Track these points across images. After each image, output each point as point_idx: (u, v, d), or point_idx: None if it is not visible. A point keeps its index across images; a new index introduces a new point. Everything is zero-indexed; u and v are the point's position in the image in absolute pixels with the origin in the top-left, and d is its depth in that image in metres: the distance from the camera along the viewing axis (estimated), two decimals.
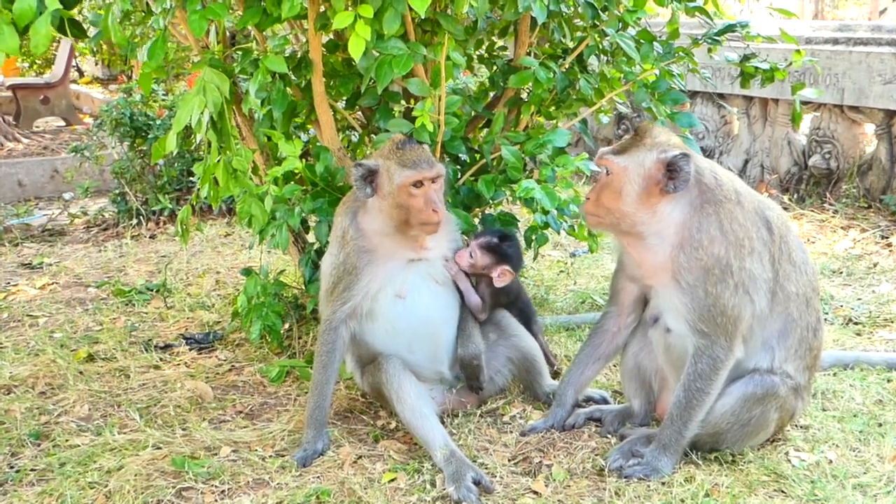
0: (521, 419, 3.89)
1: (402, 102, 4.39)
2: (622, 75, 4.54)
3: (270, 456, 3.60)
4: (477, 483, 3.28)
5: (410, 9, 3.46)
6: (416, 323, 3.72)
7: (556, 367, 4.30)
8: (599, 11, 4.30)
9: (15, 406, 4.11)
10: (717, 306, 3.29)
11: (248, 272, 4.52)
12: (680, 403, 3.38)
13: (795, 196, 7.58)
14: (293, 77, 4.18)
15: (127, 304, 5.58)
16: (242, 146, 3.93)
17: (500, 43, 5.03)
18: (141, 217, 7.41)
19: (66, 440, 3.77)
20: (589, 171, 4.26)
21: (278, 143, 4.08)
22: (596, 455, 3.55)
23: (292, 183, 4.20)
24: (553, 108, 4.64)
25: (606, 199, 3.40)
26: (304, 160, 4.19)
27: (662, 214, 3.35)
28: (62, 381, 4.39)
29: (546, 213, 4.28)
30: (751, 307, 3.33)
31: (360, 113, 4.71)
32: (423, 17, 3.85)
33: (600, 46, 4.47)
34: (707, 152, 8.42)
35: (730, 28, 4.48)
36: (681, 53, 4.44)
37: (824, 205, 7.29)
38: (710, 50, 4.60)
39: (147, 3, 4.43)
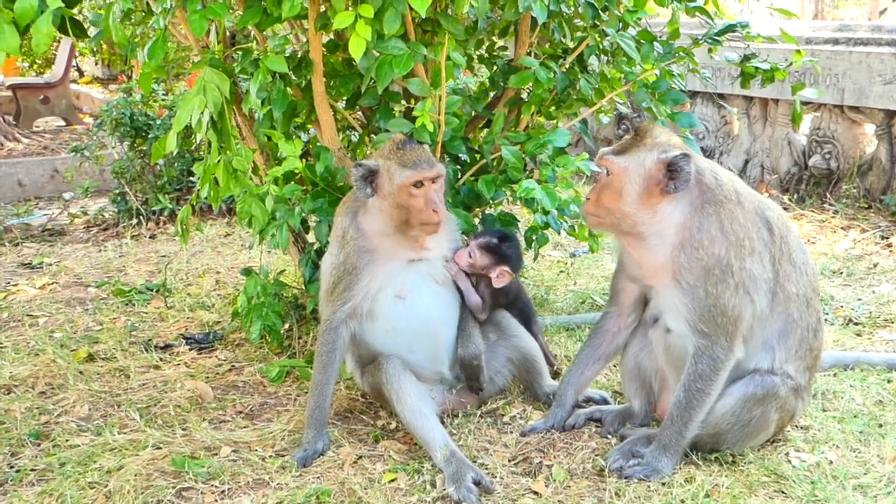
0: (521, 419, 3.89)
1: (403, 102, 4.39)
2: (622, 75, 4.54)
3: (270, 456, 3.60)
4: (477, 483, 3.28)
5: (411, 9, 3.45)
6: (416, 323, 3.72)
7: (555, 367, 4.30)
8: (600, 11, 4.30)
9: (15, 406, 4.11)
10: (718, 306, 3.29)
11: (248, 272, 4.52)
12: (680, 404, 3.37)
13: (795, 196, 7.58)
14: (293, 77, 4.18)
15: (127, 304, 5.58)
16: (243, 146, 3.93)
17: (501, 43, 5.03)
18: (141, 217, 7.41)
19: (66, 440, 3.77)
20: (589, 172, 4.26)
21: (278, 143, 4.08)
22: (596, 455, 3.55)
23: (292, 183, 4.20)
24: (553, 108, 4.64)
25: (607, 200, 3.40)
26: (304, 160, 4.18)
27: (663, 215, 3.34)
28: (62, 381, 4.39)
29: (546, 213, 4.28)
30: (751, 307, 3.33)
31: (360, 113, 4.71)
32: (423, 17, 3.85)
33: (601, 46, 4.47)
34: (707, 152, 8.42)
35: (730, 28, 4.48)
36: (681, 53, 4.44)
37: (824, 205, 7.29)
38: (710, 50, 4.60)
39: (147, 3, 4.43)
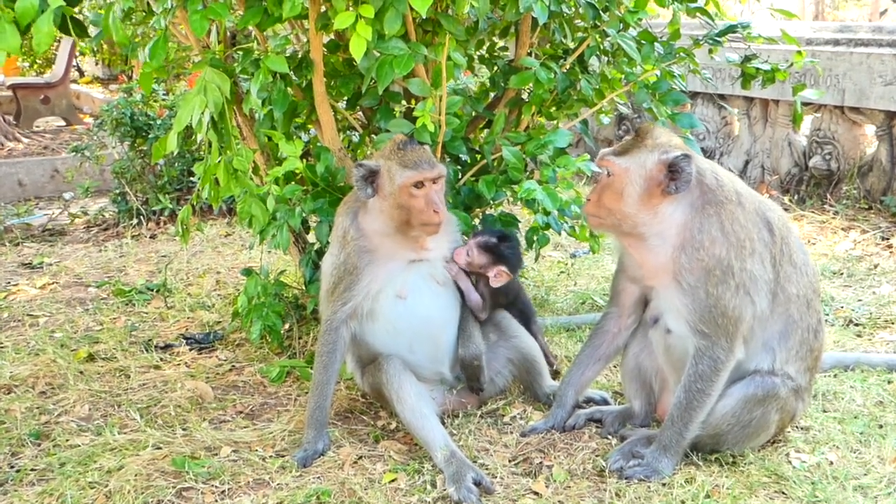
0: (521, 420, 3.89)
1: (403, 103, 4.39)
2: (623, 76, 4.54)
3: (271, 456, 3.60)
4: (477, 484, 3.27)
5: (411, 9, 3.45)
6: (416, 323, 3.72)
7: (555, 367, 4.30)
8: (600, 12, 4.30)
9: (15, 406, 4.10)
10: (718, 307, 3.29)
11: (248, 272, 4.52)
12: (680, 404, 3.37)
13: (796, 197, 7.58)
14: (294, 77, 4.17)
15: (127, 304, 5.58)
16: (243, 146, 3.93)
17: (501, 43, 5.03)
18: (141, 217, 7.41)
19: (67, 440, 3.77)
20: (590, 172, 4.26)
21: (279, 143, 4.08)
22: (596, 456, 3.55)
23: (293, 183, 4.20)
24: (554, 108, 4.64)
25: (608, 200, 3.39)
26: (304, 160, 4.18)
27: (664, 215, 3.34)
28: (62, 381, 4.39)
29: (547, 213, 4.28)
30: (751, 308, 3.33)
31: (360, 113, 4.71)
32: (424, 18, 3.85)
33: (601, 47, 4.47)
34: (708, 153, 8.42)
35: (731, 29, 4.47)
36: (682, 54, 4.44)
37: (825, 206, 7.29)
38: (711, 51, 4.60)
39: (148, 3, 4.43)
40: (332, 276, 3.71)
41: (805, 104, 5.45)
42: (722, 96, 8.37)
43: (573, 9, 4.42)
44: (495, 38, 4.92)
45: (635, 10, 4.26)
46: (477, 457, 3.54)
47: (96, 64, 18.79)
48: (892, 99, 6.77)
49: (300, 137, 4.59)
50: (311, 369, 4.00)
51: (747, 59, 4.57)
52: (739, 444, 3.45)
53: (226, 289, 5.79)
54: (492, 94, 4.73)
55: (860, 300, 5.29)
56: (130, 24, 4.64)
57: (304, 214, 4.21)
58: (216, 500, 3.31)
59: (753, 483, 3.29)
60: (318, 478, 3.44)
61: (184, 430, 3.83)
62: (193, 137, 4.21)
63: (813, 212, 7.20)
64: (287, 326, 4.67)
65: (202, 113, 3.52)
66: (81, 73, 19.28)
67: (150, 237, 7.20)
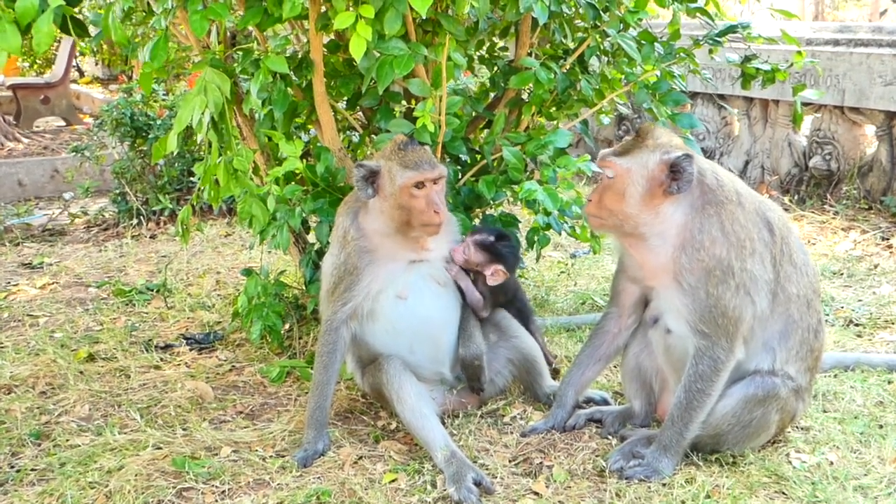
0: (521, 420, 3.89)
1: (403, 103, 4.39)
2: (623, 76, 4.54)
3: (271, 456, 3.60)
4: (478, 484, 3.27)
5: (412, 9, 3.45)
6: (417, 324, 3.72)
7: (553, 366, 4.29)
8: (601, 12, 4.30)
9: (15, 406, 4.10)
10: (718, 307, 3.29)
11: (248, 272, 4.52)
12: (681, 404, 3.37)
13: (796, 197, 7.58)
14: (294, 77, 4.17)
15: (127, 304, 5.58)
16: (243, 146, 3.93)
17: (501, 43, 5.03)
18: (141, 217, 7.41)
19: (67, 440, 3.77)
20: (590, 172, 4.26)
21: (279, 143, 4.08)
22: (597, 456, 3.55)
23: (293, 183, 4.20)
24: (554, 108, 4.64)
25: (609, 201, 3.39)
26: (304, 160, 4.18)
27: (665, 215, 3.34)
28: (62, 381, 4.39)
29: (548, 214, 4.28)
30: (752, 308, 3.33)
31: (360, 113, 4.71)
32: (424, 18, 3.85)
33: (601, 47, 4.47)
34: (708, 153, 8.42)
35: (731, 29, 4.47)
36: (682, 54, 4.44)
37: (825, 206, 7.29)
38: (711, 51, 4.60)
39: (148, 3, 4.43)
40: (332, 276, 3.71)
41: (805, 104, 5.45)
42: (722, 96, 8.38)
43: (573, 9, 4.42)
44: (495, 39, 4.92)
45: (635, 11, 4.26)
46: (477, 457, 3.54)
47: (96, 64, 18.80)
48: (891, 99, 6.77)
49: (300, 137, 4.59)
50: (311, 369, 4.00)
51: (747, 59, 4.57)
52: (740, 445, 3.45)
53: (226, 289, 5.79)
54: (492, 95, 4.73)
55: (860, 300, 5.29)
56: (130, 25, 4.64)
57: (304, 214, 4.21)
58: (216, 500, 3.31)
59: (754, 483, 3.29)
60: (319, 478, 3.44)
61: (184, 430, 3.83)
62: (193, 137, 4.22)
63: (813, 212, 7.20)
64: (287, 326, 4.67)
65: (202, 113, 3.52)
66: (81, 74, 19.28)
67: (150, 237, 7.20)
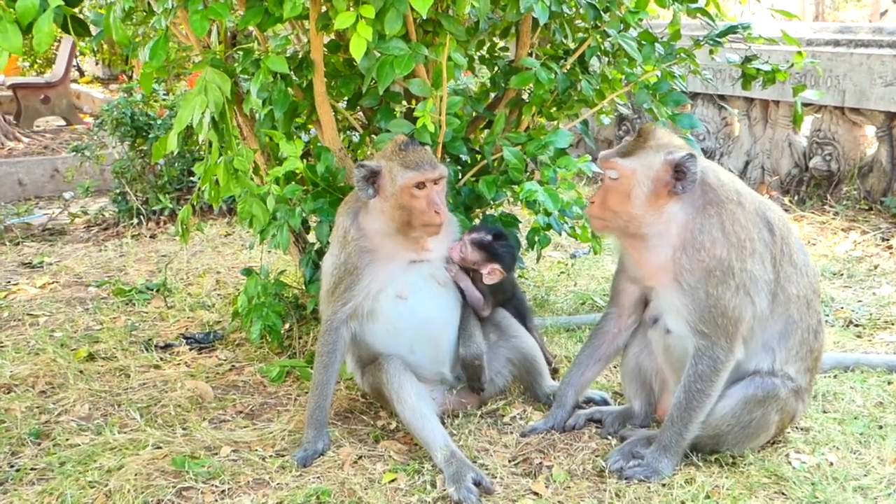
0: (521, 420, 3.89)
1: (404, 103, 4.39)
2: (623, 76, 4.54)
3: (271, 456, 3.60)
4: (477, 484, 3.28)
5: (412, 9, 3.45)
6: (417, 324, 3.72)
7: (553, 365, 4.29)
8: (601, 12, 4.30)
9: (15, 405, 4.11)
10: (718, 307, 3.29)
11: (248, 272, 4.52)
12: (680, 405, 3.37)
13: (796, 198, 7.58)
14: (294, 77, 4.17)
15: (127, 304, 5.58)
16: (244, 146, 3.93)
17: (502, 44, 5.03)
18: (141, 217, 7.41)
19: (67, 439, 3.77)
20: (590, 173, 4.26)
21: (279, 143, 4.08)
22: (596, 456, 3.55)
23: (293, 183, 4.20)
24: (554, 109, 4.64)
25: (614, 203, 3.37)
26: (305, 160, 4.18)
27: (668, 216, 3.33)
28: (62, 381, 4.39)
29: (548, 214, 4.27)
30: (751, 308, 3.33)
31: (361, 113, 4.71)
32: (424, 18, 3.85)
33: (602, 47, 4.47)
34: (708, 154, 8.42)
35: (731, 30, 4.47)
36: (682, 55, 4.44)
37: (825, 207, 7.29)
38: (711, 51, 4.60)
39: (149, 3, 4.43)
40: (332, 276, 3.71)
41: (805, 105, 5.45)
42: (722, 97, 8.37)
43: (574, 9, 4.42)
44: (496, 39, 4.92)
45: (636, 11, 4.26)
46: (477, 457, 3.54)
47: (96, 64, 18.79)
48: (892, 100, 6.77)
49: (301, 137, 4.59)
50: (311, 369, 4.00)
51: (748, 59, 4.57)
52: (739, 445, 3.45)
53: (226, 288, 5.79)
54: (492, 95, 4.73)
55: (860, 301, 5.29)
56: (131, 24, 4.64)
57: (304, 214, 4.21)
58: (216, 500, 3.31)
59: (753, 484, 3.29)
60: (318, 478, 3.44)
61: (184, 429, 3.83)
62: (194, 137, 4.22)
63: (813, 212, 7.20)
64: (287, 326, 4.67)
65: (203, 113, 3.53)
66: (82, 73, 19.28)
67: (150, 237, 7.20)
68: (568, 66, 4.42)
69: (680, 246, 3.32)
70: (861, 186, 7.18)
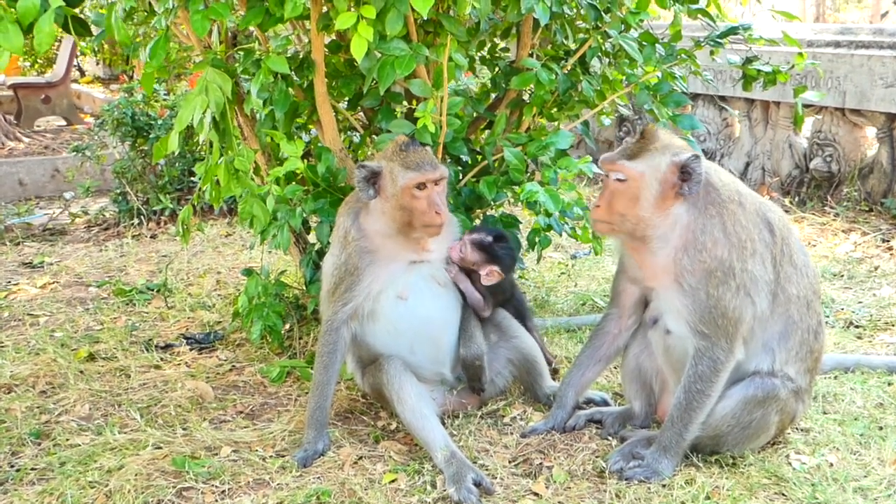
0: (521, 421, 3.89)
1: (404, 103, 4.39)
2: (624, 77, 4.53)
3: (271, 456, 3.60)
4: (477, 484, 3.28)
5: (413, 10, 3.45)
6: (417, 324, 3.72)
7: (553, 366, 4.29)
8: (602, 13, 4.30)
9: (15, 405, 4.11)
10: (719, 308, 3.29)
11: (249, 272, 4.52)
12: (680, 405, 3.37)
13: (796, 199, 7.58)
14: (295, 77, 4.17)
15: (128, 304, 5.58)
16: (244, 146, 3.93)
17: (503, 44, 5.03)
18: (142, 217, 7.41)
19: (67, 439, 3.77)
20: (591, 174, 4.26)
21: (280, 143, 4.08)
22: (596, 457, 3.55)
23: (294, 183, 4.21)
24: (555, 109, 4.64)
25: (621, 206, 3.34)
26: (305, 161, 4.18)
27: (675, 217, 3.33)
28: (63, 381, 4.39)
29: (549, 215, 4.27)
30: (752, 309, 3.33)
31: (361, 113, 4.71)
32: (425, 18, 3.85)
33: (603, 48, 4.47)
34: (708, 155, 8.42)
35: (732, 31, 4.47)
36: (683, 56, 4.44)
37: (825, 208, 7.29)
38: (712, 52, 4.60)
39: (150, 3, 4.43)
40: (332, 276, 3.71)
41: (806, 106, 5.45)
42: (723, 98, 8.37)
43: (575, 10, 4.42)
44: (496, 39, 4.91)
45: (637, 12, 4.26)
46: (477, 457, 3.54)
47: (97, 64, 18.80)
48: (892, 101, 6.78)
49: (301, 138, 4.59)
50: (311, 369, 4.00)
51: (748, 60, 4.57)
52: (739, 446, 3.45)
53: (226, 289, 5.79)
54: (493, 95, 4.73)
55: (860, 302, 5.29)
56: (132, 24, 4.64)
57: (304, 215, 4.21)
58: (216, 500, 3.31)
59: (753, 484, 3.29)
60: (319, 478, 3.44)
61: (184, 429, 3.83)
62: (195, 137, 4.22)
63: (813, 214, 7.20)
64: (287, 327, 4.67)
65: (203, 113, 3.53)
66: (82, 73, 19.28)
67: (151, 237, 7.20)
68: (569, 67, 4.42)
69: (682, 247, 3.32)
70: (861, 188, 7.18)
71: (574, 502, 3.23)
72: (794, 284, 3.42)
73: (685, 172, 3.28)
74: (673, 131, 3.79)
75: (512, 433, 3.77)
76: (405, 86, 4.12)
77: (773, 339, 3.42)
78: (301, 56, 4.16)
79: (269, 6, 3.75)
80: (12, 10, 3.00)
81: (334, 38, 4.31)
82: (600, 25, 4.30)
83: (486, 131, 4.73)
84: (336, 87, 4.31)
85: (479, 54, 4.89)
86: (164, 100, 7.63)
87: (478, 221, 4.54)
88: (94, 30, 4.02)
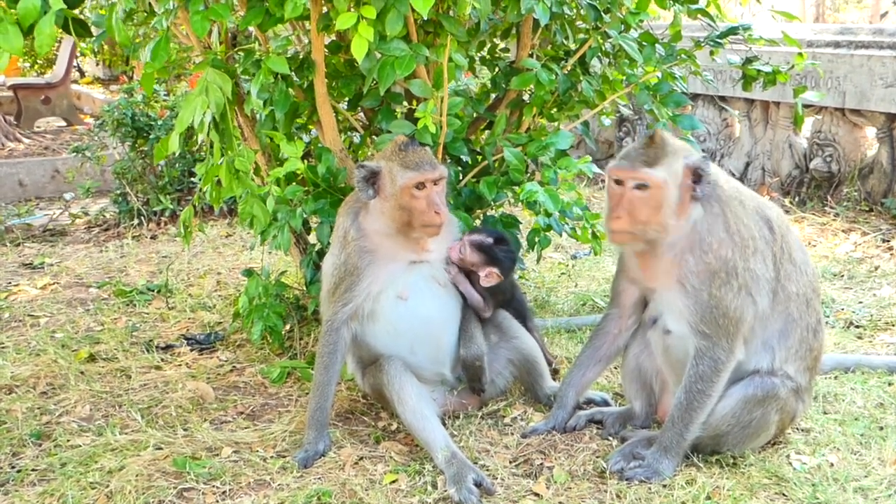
0: (522, 421, 3.89)
1: (405, 104, 4.39)
2: (624, 77, 4.54)
3: (272, 457, 3.60)
4: (478, 485, 3.28)
5: (413, 10, 3.46)
6: (417, 324, 3.72)
7: (553, 366, 4.29)
8: (602, 13, 4.30)
9: (16, 406, 4.11)
10: (720, 308, 3.29)
11: (249, 273, 4.52)
12: (681, 405, 3.37)
13: (797, 199, 7.58)
14: (295, 78, 4.18)
15: (128, 305, 5.58)
16: (244, 147, 3.93)
17: (503, 45, 5.03)
18: (142, 217, 7.41)
19: (68, 440, 3.77)
20: (591, 174, 4.26)
21: (280, 143, 4.08)
22: (597, 457, 3.55)
23: (294, 184, 4.21)
24: (555, 110, 4.64)
25: (644, 215, 3.28)
26: (305, 161, 4.19)
27: (689, 220, 3.32)
28: (63, 382, 4.39)
29: (549, 215, 4.28)
30: (753, 308, 3.33)
31: (362, 114, 4.71)
32: (425, 19, 3.85)
33: (603, 48, 4.47)
34: (708, 155, 8.41)
35: (732, 31, 4.48)
36: (683, 56, 4.44)
37: (825, 208, 7.29)
38: (712, 52, 4.60)
39: (150, 4, 4.43)
40: (332, 276, 3.71)
41: (806, 106, 5.45)
42: (723, 98, 8.37)
43: (574, 10, 4.43)
44: (496, 40, 4.92)
45: (637, 12, 4.27)
46: (478, 458, 3.54)
47: (97, 64, 18.80)
48: (892, 101, 6.78)
49: (301, 138, 4.59)
50: (311, 370, 4.00)
51: (748, 60, 4.57)
52: (740, 445, 3.45)
53: (227, 289, 5.79)
54: (493, 96, 4.73)
55: (861, 302, 5.29)
56: (132, 25, 4.65)
57: (305, 215, 4.21)
58: (217, 501, 3.31)
59: (754, 484, 3.29)
60: (319, 478, 3.44)
61: (185, 430, 3.83)
62: (195, 138, 4.21)
63: (813, 214, 7.20)
64: (288, 327, 4.67)
65: (204, 113, 3.53)
66: (82, 74, 19.28)
67: (151, 238, 7.20)
68: (569, 67, 4.42)
69: (688, 248, 3.31)
70: (861, 188, 7.18)
71: (575, 503, 3.24)
72: (794, 282, 3.42)
73: (696, 174, 3.28)
74: (673, 132, 3.79)
75: (512, 433, 3.77)
76: (405, 86, 4.12)
77: (772, 337, 3.42)
78: (301, 56, 4.16)
79: (269, 6, 3.76)
80: (12, 11, 3.00)
81: (334, 38, 4.31)
82: (600, 26, 4.30)
83: (486, 131, 4.73)
84: (336, 87, 4.32)
85: (479, 55, 4.90)
86: (164, 100, 7.63)
87: (478, 222, 4.54)
88: (94, 31, 4.03)
